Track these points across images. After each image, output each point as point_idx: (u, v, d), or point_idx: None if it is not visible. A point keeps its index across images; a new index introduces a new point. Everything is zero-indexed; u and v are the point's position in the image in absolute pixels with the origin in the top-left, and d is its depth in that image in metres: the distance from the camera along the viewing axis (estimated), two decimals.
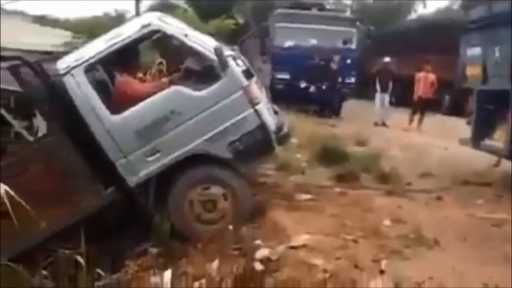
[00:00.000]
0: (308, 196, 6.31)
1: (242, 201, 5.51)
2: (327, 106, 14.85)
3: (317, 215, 5.77)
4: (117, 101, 5.51)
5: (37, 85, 5.24)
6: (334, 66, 14.42)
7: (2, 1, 17.31)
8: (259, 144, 5.61)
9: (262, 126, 5.61)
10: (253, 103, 5.60)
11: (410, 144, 10.28)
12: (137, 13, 15.68)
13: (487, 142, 7.45)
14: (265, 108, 5.89)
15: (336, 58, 14.36)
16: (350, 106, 15.93)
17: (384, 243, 5.08)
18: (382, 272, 4.43)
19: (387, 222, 5.73)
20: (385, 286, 4.16)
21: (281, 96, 12.71)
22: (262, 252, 4.75)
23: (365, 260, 4.67)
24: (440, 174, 7.73)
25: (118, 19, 23.55)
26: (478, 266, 4.62)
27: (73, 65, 5.32)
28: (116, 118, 5.35)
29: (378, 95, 14.08)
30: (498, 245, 5.09)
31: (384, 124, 13.71)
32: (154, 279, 4.35)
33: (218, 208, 5.49)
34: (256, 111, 5.60)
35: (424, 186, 7.20)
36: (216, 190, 5.50)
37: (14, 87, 5.86)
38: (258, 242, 5.04)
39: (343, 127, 12.19)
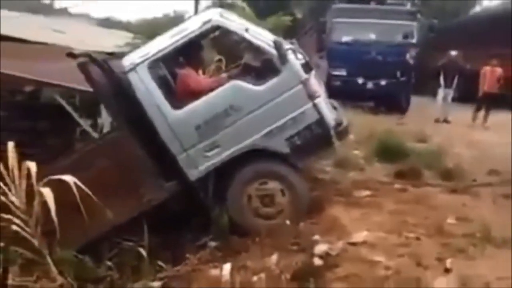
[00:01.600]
0: (367, 193, 6.19)
1: (300, 197, 5.48)
2: (387, 103, 14.47)
3: (377, 212, 5.65)
4: (180, 95, 5.63)
5: (104, 83, 5.42)
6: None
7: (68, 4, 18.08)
8: (317, 139, 5.55)
9: (321, 121, 5.55)
10: (312, 97, 5.56)
11: (475, 141, 9.87)
12: (196, 13, 15.95)
13: None
14: (324, 102, 5.82)
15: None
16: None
17: (449, 241, 4.89)
18: (447, 270, 4.27)
19: (451, 220, 5.52)
20: (450, 286, 4.02)
21: (338, 93, 12.56)
22: (321, 248, 4.70)
23: (429, 258, 4.53)
24: (506, 171, 7.36)
25: (177, 20, 24.05)
26: None
27: (138, 62, 5.46)
28: (178, 113, 5.46)
29: (441, 90, 13.56)
30: None
31: (446, 121, 13.23)
32: (214, 272, 4.41)
33: (276, 203, 5.48)
34: (315, 105, 5.55)
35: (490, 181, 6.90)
36: (273, 185, 5.49)
37: (82, 86, 6.14)
38: (316, 237, 4.98)
39: (403, 124, 11.89)
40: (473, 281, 4.05)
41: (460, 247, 4.73)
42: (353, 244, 4.82)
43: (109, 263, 4.74)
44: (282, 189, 5.48)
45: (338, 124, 5.83)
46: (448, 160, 7.60)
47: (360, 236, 4.97)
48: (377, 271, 4.24)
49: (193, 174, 5.50)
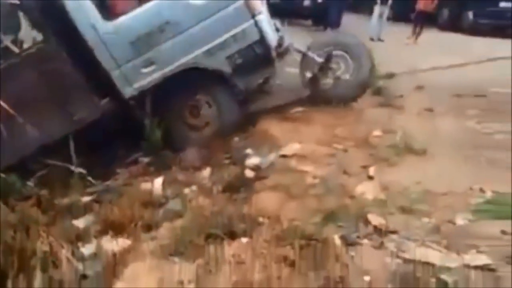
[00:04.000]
0: (300, 109, 6.30)
1: (227, 110, 5.49)
2: (324, 20, 14.42)
3: (309, 126, 5.79)
4: (112, 6, 5.32)
5: None
6: None
7: None
8: (258, 58, 5.50)
9: (262, 40, 5.47)
10: (253, 14, 5.42)
11: (405, 59, 10.12)
12: None
13: None
14: (266, 21, 5.72)
15: None
16: (347, 20, 15.50)
17: (374, 152, 5.14)
18: (370, 177, 4.52)
19: (377, 132, 5.78)
20: (372, 190, 4.26)
21: (276, 10, 12.29)
22: (252, 160, 4.81)
23: (354, 167, 4.75)
24: (430, 86, 7.70)
25: None
26: (465, 171, 4.71)
27: None
28: (109, 25, 5.18)
29: (377, 8, 13.63)
30: (486, 152, 5.17)
31: (380, 39, 13.42)
32: (145, 186, 4.44)
33: (202, 114, 5.47)
34: (256, 23, 5.42)
35: (417, 97, 7.21)
36: (201, 96, 5.47)
37: None
38: (248, 151, 5.08)
39: None
40: (393, 186, 4.31)
41: (384, 156, 4.99)
42: (284, 156, 4.97)
43: (36, 180, 4.65)
44: (208, 101, 5.46)
45: (280, 44, 5.80)
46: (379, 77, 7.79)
47: (291, 148, 5.11)
48: (305, 180, 4.41)
49: (127, 91, 5.35)
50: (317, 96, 6.35)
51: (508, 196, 4.11)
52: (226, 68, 5.39)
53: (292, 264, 3.06)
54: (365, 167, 4.73)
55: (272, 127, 5.65)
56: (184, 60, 5.30)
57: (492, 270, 3.12)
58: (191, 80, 5.39)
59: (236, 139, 5.49)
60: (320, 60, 6.18)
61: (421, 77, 8.35)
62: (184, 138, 5.43)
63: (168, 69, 5.30)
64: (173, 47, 5.26)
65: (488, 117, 6.34)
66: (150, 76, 5.31)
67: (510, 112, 6.37)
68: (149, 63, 5.27)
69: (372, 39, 13.28)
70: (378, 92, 7.35)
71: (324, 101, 6.31)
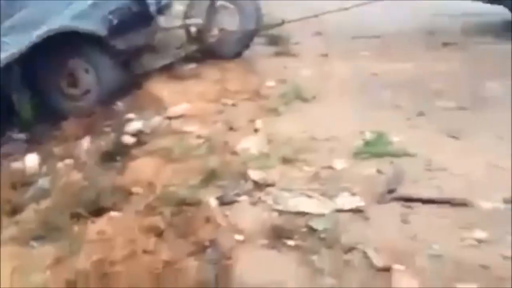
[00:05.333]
0: (190, 66, 6.04)
1: (106, 75, 5.16)
2: None
3: (199, 83, 5.58)
4: None
5: None
6: None
7: None
8: (136, 16, 5.17)
9: None
10: None
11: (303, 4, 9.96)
12: None
13: None
14: None
15: None
16: None
17: (264, 103, 5.03)
18: (256, 130, 4.41)
19: (270, 83, 5.67)
20: (257, 143, 4.16)
21: None
22: (134, 125, 4.56)
23: (241, 121, 4.63)
24: (330, 31, 7.65)
25: None
26: (354, 114, 4.72)
27: None
28: None
29: None
30: (375, 93, 5.21)
31: None
32: (16, 165, 4.11)
33: (81, 83, 5.13)
34: None
35: (313, 43, 7.14)
36: (76, 63, 5.09)
37: None
38: (131, 115, 4.82)
39: None
40: (278, 137, 4.23)
41: (273, 107, 4.90)
42: (170, 118, 4.75)
43: None
44: (85, 68, 5.11)
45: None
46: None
47: (178, 109, 4.90)
48: (188, 141, 4.24)
49: None
50: (204, 51, 6.11)
51: (387, 136, 4.15)
52: (101, 30, 5.02)
53: (160, 234, 2.91)
54: (253, 121, 4.61)
55: (159, 88, 5.38)
56: (52, 24, 4.86)
57: (361, 211, 3.12)
58: (63, 46, 4.97)
59: (119, 104, 5.19)
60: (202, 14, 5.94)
61: (319, 22, 8.26)
62: (64, 110, 5.07)
63: (34, 36, 4.84)
64: (37, 11, 4.80)
65: (379, 58, 6.40)
66: (14, 46, 4.83)
67: (401, 52, 6.48)
68: (11, 30, 4.79)
69: None
70: (273, 41, 7.22)
71: (212, 56, 6.09)
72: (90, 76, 5.14)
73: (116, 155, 4.09)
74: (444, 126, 4.40)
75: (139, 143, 4.27)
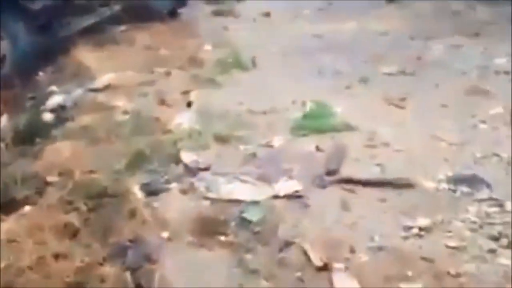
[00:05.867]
0: (121, 28, 5.54)
1: (21, 40, 4.61)
2: None
3: (130, 49, 5.12)
4: None
5: None
6: None
7: None
8: None
9: None
10: None
11: None
12: None
13: None
14: None
15: None
16: None
17: (199, 72, 4.67)
18: (189, 104, 4.07)
19: (208, 47, 5.29)
20: (190, 119, 3.83)
21: None
22: (55, 100, 4.11)
23: (174, 93, 4.26)
24: None
25: None
26: (295, 82, 4.45)
27: None
28: None
29: None
30: (316, 58, 4.94)
31: None
32: None
33: None
34: None
35: (256, 2, 6.74)
36: None
37: None
38: (53, 88, 4.35)
39: None
40: (213, 111, 3.92)
41: (209, 77, 4.55)
42: (95, 90, 4.32)
43: None
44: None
45: None
46: None
47: (104, 80, 4.46)
48: (114, 117, 3.85)
49: None
50: (134, 9, 5.59)
51: (327, 108, 3.92)
52: None
53: (75, 235, 2.58)
54: (187, 92, 4.25)
55: (86, 55, 4.89)
56: None
57: (299, 197, 2.90)
58: None
59: (41, 74, 4.69)
60: None
61: None
62: None
63: None
64: None
65: (322, 17, 6.11)
66: None
67: (345, 10, 6.21)
68: None
69: None
70: None
71: (143, 15, 5.58)
72: (4, 42, 4.56)
73: (34, 136, 3.65)
74: (387, 93, 4.21)
75: (60, 121, 3.83)
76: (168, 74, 4.63)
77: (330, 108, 3.97)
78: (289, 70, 4.68)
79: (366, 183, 3.04)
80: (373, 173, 3.18)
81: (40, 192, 2.99)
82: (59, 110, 4.01)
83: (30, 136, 3.64)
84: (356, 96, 4.22)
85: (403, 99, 4.14)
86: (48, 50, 4.88)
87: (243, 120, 3.79)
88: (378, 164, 3.27)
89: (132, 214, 2.73)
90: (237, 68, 4.73)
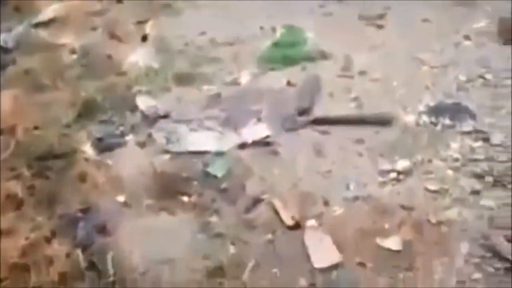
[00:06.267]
0: None
1: None
2: None
3: None
4: None
5: None
6: None
7: None
8: None
9: None
10: None
11: None
12: None
13: None
14: None
15: None
16: None
17: None
18: (145, 38, 3.64)
19: None
20: (147, 54, 3.43)
21: None
22: None
23: (128, 25, 3.80)
24: None
25: None
26: (260, 5, 3.99)
27: None
28: None
29: None
30: None
31: None
32: None
33: None
34: None
35: None
36: None
37: None
38: None
39: None
40: (172, 44, 3.51)
41: (165, 1, 4.05)
42: (38, 25, 3.83)
43: None
44: None
45: None
46: None
47: (48, 12, 3.95)
48: (60, 58, 3.43)
49: None
50: None
51: (299, 33, 3.53)
52: None
53: (19, 207, 2.31)
54: (141, 23, 3.80)
55: None
56: None
57: (268, 143, 2.64)
58: None
59: None
60: None
61: None
62: None
63: None
64: None
65: None
66: None
67: None
68: None
69: None
70: None
71: None
72: None
73: None
74: (365, 10, 3.80)
75: (0, 65, 3.40)
76: (120, 1, 4.12)
77: (302, 33, 3.58)
78: None
79: (340, 122, 2.77)
80: (348, 108, 2.90)
81: None
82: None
83: None
84: (331, 15, 3.80)
85: (381, 16, 3.74)
86: None
87: (205, 54, 3.41)
88: (354, 99, 2.98)
89: (82, 177, 2.45)
90: None
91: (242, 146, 2.66)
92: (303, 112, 2.85)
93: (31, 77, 3.24)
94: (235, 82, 3.16)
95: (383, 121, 2.76)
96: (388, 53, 3.38)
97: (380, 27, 3.67)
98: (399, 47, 3.42)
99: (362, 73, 3.18)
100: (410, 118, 2.79)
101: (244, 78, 3.18)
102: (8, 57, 3.53)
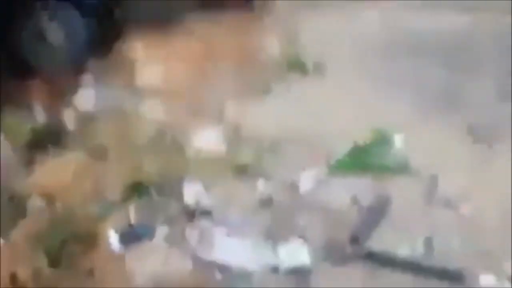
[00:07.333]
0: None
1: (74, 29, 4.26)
2: None
3: (186, 43, 4.57)
4: None
5: None
6: None
7: None
8: None
9: None
10: None
11: None
12: None
13: None
14: None
15: None
16: None
17: (252, 75, 3.96)
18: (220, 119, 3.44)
19: (274, 44, 4.55)
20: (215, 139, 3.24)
21: None
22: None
23: (213, 102, 3.66)
24: None
25: None
26: (359, 97, 3.63)
27: None
28: None
29: None
30: (399, 64, 3.99)
31: None
32: None
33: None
34: None
35: None
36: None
37: None
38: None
39: None
40: (246, 130, 3.30)
41: (259, 82, 3.88)
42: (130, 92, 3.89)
43: None
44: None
45: None
46: None
47: (145, 79, 4.00)
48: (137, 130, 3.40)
49: None
50: None
51: (388, 140, 3.05)
52: None
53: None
54: (226, 102, 3.63)
55: (139, 44, 4.41)
56: None
57: (306, 273, 2.21)
58: None
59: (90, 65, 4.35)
60: None
61: None
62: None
63: None
64: None
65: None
66: None
67: None
68: None
69: None
70: None
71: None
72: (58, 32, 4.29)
73: (47, 143, 3.32)
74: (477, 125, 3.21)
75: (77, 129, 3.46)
76: (217, 75, 4.05)
77: (391, 140, 3.12)
78: (358, 80, 3.83)
79: (399, 265, 2.24)
80: (415, 248, 2.35)
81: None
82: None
83: (43, 143, 3.30)
84: (433, 125, 3.27)
85: (495, 134, 3.13)
86: (105, 37, 4.55)
87: (275, 146, 3.10)
88: (426, 239, 2.41)
89: (92, 271, 2.25)
90: (296, 70, 3.99)
91: (274, 270, 2.27)
92: (356, 240, 2.38)
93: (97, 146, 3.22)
94: (294, 185, 2.80)
95: (452, 277, 2.17)
96: (491, 180, 2.76)
97: (490, 145, 3.07)
98: (508, 173, 2.78)
99: (447, 202, 2.62)
100: (490, 280, 2.16)
101: (305, 183, 2.80)
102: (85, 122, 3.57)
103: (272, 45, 4.50)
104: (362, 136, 3.17)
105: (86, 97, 3.85)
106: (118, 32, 4.58)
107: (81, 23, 4.38)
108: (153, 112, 3.59)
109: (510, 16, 4.18)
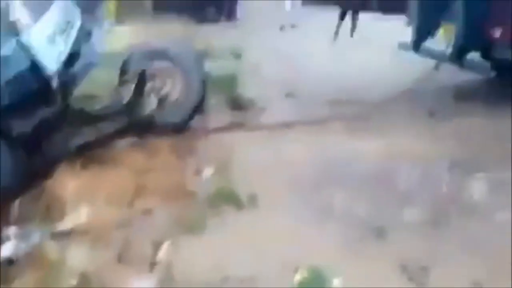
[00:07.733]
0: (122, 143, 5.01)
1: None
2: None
3: (113, 173, 4.47)
4: None
5: None
6: None
7: None
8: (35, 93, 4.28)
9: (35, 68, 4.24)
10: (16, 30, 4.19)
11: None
12: None
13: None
14: (43, 37, 4.41)
15: None
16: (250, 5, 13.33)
17: (183, 212, 3.89)
18: (152, 265, 3.30)
19: (208, 171, 4.57)
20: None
21: None
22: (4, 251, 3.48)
23: (145, 244, 3.52)
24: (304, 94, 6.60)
25: None
26: (291, 234, 3.62)
27: None
28: None
29: None
30: (327, 194, 4.08)
31: (293, 26, 11.14)
32: None
33: None
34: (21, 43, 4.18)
35: (282, 108, 6.14)
36: None
37: None
38: (11, 230, 3.76)
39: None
40: (179, 277, 3.15)
41: (192, 218, 3.80)
42: (58, 235, 3.68)
43: None
44: None
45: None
46: None
47: (75, 217, 3.83)
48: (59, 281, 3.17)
49: None
50: (139, 124, 5.10)
51: (323, 280, 3.01)
52: None
53: None
54: (158, 244, 3.51)
55: (68, 179, 4.31)
56: None
57: None
58: None
59: (16, 203, 4.15)
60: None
61: (296, 80, 7.09)
62: None
63: None
64: None
65: (351, 132, 5.31)
66: None
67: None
68: None
69: (282, 28, 11.06)
70: (235, 105, 6.22)
71: (149, 130, 5.07)
72: None
73: None
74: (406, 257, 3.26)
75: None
76: (147, 212, 3.96)
77: (327, 280, 3.08)
78: (291, 213, 3.85)
79: None
80: None
81: None
82: (6, 265, 3.37)
83: None
84: (366, 259, 3.30)
85: (423, 270, 3.17)
86: (33, 172, 4.40)
87: None
88: None
89: None
90: (231, 204, 3.99)
91: None
92: None
93: None
94: None
95: None
96: None
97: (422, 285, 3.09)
98: None
99: None
100: None
101: None
102: (12, 272, 3.32)
103: (207, 169, 4.55)
104: (298, 277, 3.12)
105: (6, 243, 3.61)
106: (46, 166, 4.49)
107: (7, 153, 4.29)
108: (77, 258, 3.40)
109: None
